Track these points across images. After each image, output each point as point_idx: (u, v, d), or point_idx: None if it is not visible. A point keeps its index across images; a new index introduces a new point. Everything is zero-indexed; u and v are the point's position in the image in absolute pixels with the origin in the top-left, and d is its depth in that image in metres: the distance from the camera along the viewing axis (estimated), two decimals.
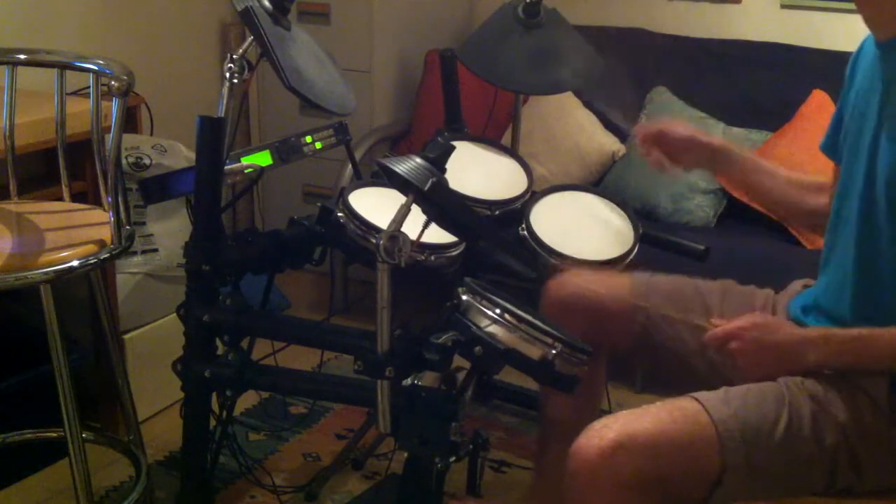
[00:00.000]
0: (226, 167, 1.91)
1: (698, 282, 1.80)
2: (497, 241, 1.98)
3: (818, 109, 2.91)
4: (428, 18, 3.56)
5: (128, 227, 1.89)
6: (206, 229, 1.85)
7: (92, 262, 1.78)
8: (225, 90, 1.86)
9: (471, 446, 1.64)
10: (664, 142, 1.80)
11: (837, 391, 1.48)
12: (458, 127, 2.39)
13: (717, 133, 3.00)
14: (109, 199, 1.81)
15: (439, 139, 1.55)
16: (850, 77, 1.63)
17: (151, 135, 2.81)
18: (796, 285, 1.76)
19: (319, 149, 2.24)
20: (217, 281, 1.88)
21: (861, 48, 1.62)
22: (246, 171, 2.03)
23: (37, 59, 1.97)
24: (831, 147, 1.68)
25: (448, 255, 1.91)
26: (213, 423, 1.99)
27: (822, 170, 1.80)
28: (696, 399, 1.45)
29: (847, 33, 3.04)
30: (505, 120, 3.02)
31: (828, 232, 1.62)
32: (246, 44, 1.88)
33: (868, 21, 1.51)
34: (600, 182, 3.13)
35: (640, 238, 2.09)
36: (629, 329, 1.77)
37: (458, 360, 1.59)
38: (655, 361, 1.83)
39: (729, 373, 1.57)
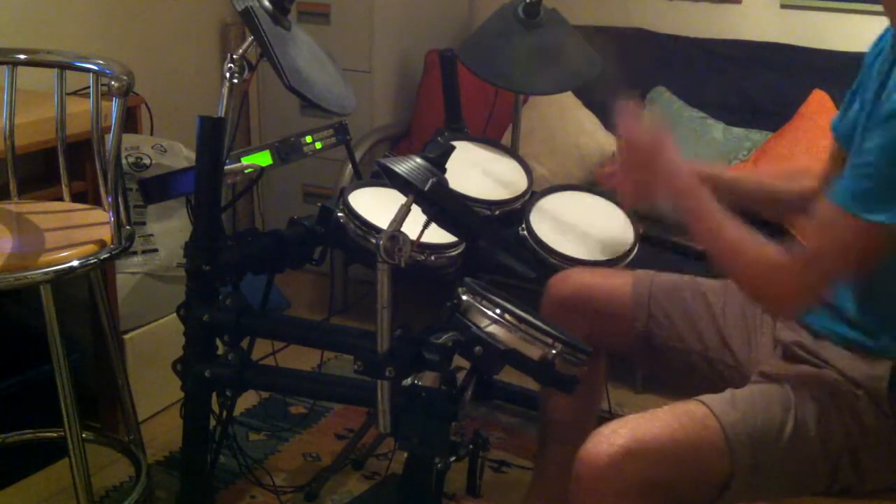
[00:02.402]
0: (226, 167, 1.91)
1: (700, 280, 1.80)
2: (497, 241, 1.98)
3: (818, 109, 2.91)
4: (428, 18, 3.56)
5: (128, 227, 1.89)
6: (206, 229, 1.85)
7: (92, 262, 1.78)
8: (225, 90, 1.86)
9: (471, 446, 1.64)
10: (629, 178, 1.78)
11: (840, 392, 1.48)
12: (458, 127, 2.39)
13: (717, 133, 3.01)
14: (109, 199, 1.81)
15: (439, 139, 1.55)
16: (868, 63, 1.61)
17: (151, 135, 2.81)
18: None
19: (319, 149, 2.24)
20: (217, 281, 1.88)
21: (882, 37, 1.60)
22: (246, 171, 2.03)
23: (37, 59, 1.97)
24: (835, 125, 1.67)
25: (448, 255, 1.91)
26: (213, 423, 1.99)
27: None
28: (703, 403, 1.45)
29: (847, 33, 3.05)
30: (505, 120, 3.02)
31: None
32: (246, 44, 1.88)
33: (887, 11, 1.49)
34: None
35: (640, 238, 2.09)
36: (630, 329, 1.77)
37: (458, 360, 1.59)
38: (656, 361, 1.83)
39: (730, 375, 1.57)
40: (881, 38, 1.58)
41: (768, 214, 1.86)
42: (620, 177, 1.67)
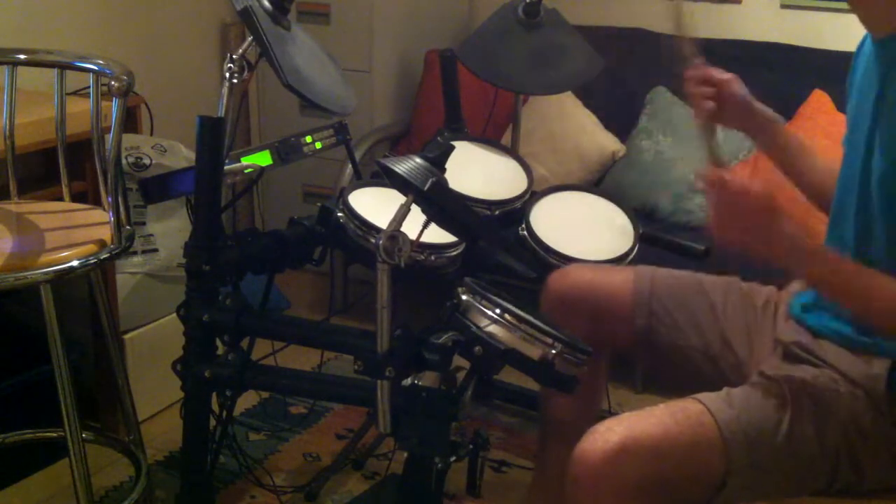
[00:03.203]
0: (226, 167, 1.91)
1: (702, 277, 1.80)
2: (497, 241, 1.98)
3: (818, 109, 2.91)
4: (428, 18, 3.56)
5: (128, 227, 1.89)
6: (206, 229, 1.85)
7: (92, 262, 1.78)
8: (225, 90, 1.86)
9: (471, 446, 1.64)
10: (722, 92, 1.70)
11: (838, 391, 1.48)
12: (458, 127, 2.39)
13: (717, 133, 3.00)
14: (109, 199, 1.81)
15: (439, 139, 1.55)
16: (851, 74, 1.63)
17: (151, 135, 2.81)
18: (797, 284, 1.76)
19: (319, 149, 2.24)
20: (217, 281, 1.88)
21: (860, 46, 1.62)
22: (246, 171, 2.03)
23: (37, 59, 1.97)
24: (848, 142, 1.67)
25: (448, 255, 1.91)
26: (213, 423, 1.99)
27: None
28: (700, 401, 1.45)
29: (847, 33, 3.01)
30: (505, 120, 3.02)
31: (829, 226, 1.62)
32: (246, 44, 1.88)
33: (863, 20, 1.51)
34: (600, 182, 3.13)
35: (640, 238, 2.09)
36: (630, 325, 1.77)
37: (458, 360, 1.59)
38: (657, 360, 1.82)
39: (730, 374, 1.57)
40: (858, 50, 1.60)
41: (807, 197, 1.79)
42: (721, 223, 1.45)
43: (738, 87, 1.72)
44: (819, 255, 1.46)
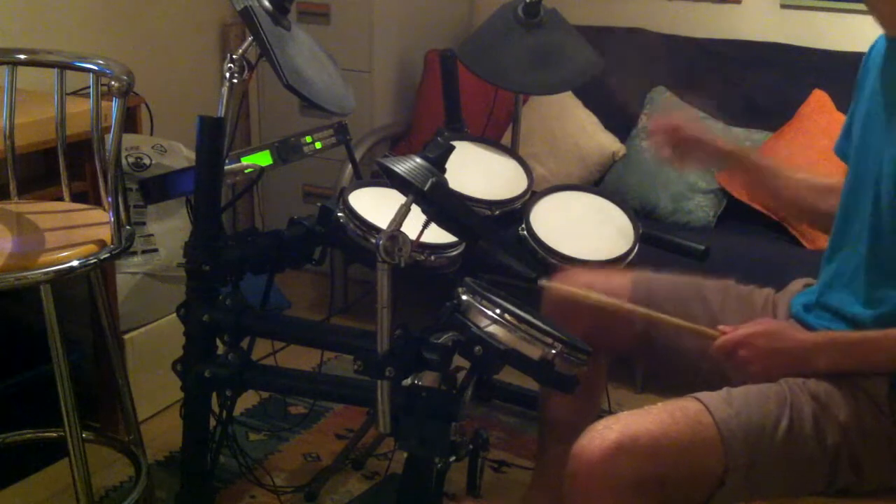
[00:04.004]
0: (226, 167, 1.91)
1: (699, 281, 1.80)
2: (497, 241, 1.98)
3: (818, 109, 2.91)
4: (428, 18, 3.56)
5: (128, 227, 1.89)
6: (206, 229, 1.85)
7: (92, 262, 1.77)
8: (225, 90, 1.86)
9: (471, 446, 1.64)
10: (677, 138, 1.79)
11: (838, 391, 1.48)
12: (458, 127, 2.39)
13: (717, 133, 3.01)
14: (109, 199, 1.81)
15: (439, 139, 1.55)
16: (861, 78, 1.63)
17: (151, 135, 2.81)
18: (797, 284, 1.76)
19: (319, 149, 2.24)
20: (217, 281, 1.88)
21: (872, 48, 1.62)
22: (246, 171, 2.03)
23: (37, 59, 1.97)
24: (844, 150, 1.67)
25: (448, 255, 1.91)
26: (213, 423, 1.99)
27: (823, 172, 1.80)
28: (698, 399, 1.45)
29: (847, 33, 3.05)
30: (505, 120, 3.02)
31: (835, 227, 1.62)
32: (246, 44, 1.88)
33: (879, 19, 1.50)
34: (600, 182, 3.13)
35: (640, 238, 2.09)
36: (629, 328, 1.77)
37: (458, 360, 1.59)
38: (656, 361, 1.83)
39: (733, 376, 1.58)
40: (870, 52, 1.60)
41: (784, 214, 1.87)
42: (758, 373, 1.53)
43: (694, 129, 1.81)
44: (826, 346, 1.51)
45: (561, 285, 1.75)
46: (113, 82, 1.76)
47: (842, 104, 2.74)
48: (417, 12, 3.50)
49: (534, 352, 1.51)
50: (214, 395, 1.95)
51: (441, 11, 3.63)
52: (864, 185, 1.52)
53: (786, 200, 1.84)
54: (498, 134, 3.13)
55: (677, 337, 1.73)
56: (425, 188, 1.45)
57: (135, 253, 2.51)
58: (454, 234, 1.75)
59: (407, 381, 1.62)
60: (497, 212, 2.12)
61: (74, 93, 2.25)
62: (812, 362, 1.50)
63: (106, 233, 1.84)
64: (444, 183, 1.50)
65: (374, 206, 1.93)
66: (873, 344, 1.47)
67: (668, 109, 3.08)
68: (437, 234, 1.69)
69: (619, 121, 3.23)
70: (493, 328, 1.52)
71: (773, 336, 1.52)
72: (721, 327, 1.58)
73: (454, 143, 1.57)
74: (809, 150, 2.76)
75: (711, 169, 1.93)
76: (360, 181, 2.13)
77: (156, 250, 2.56)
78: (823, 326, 1.57)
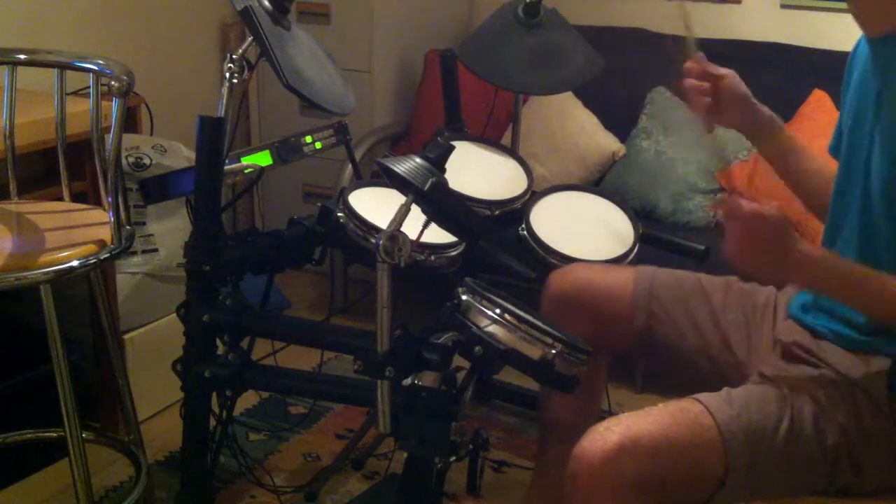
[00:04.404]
0: (226, 167, 1.91)
1: (701, 277, 1.80)
2: (497, 241, 1.98)
3: (818, 109, 2.91)
4: (428, 18, 3.56)
5: (128, 227, 1.89)
6: (206, 229, 1.85)
7: (92, 262, 1.77)
8: (225, 90, 1.86)
9: (471, 446, 1.64)
10: (715, 88, 1.69)
11: (838, 392, 1.48)
12: (458, 127, 2.39)
13: (717, 132, 3.00)
14: (109, 199, 1.81)
15: (439, 139, 1.55)
16: (847, 77, 1.63)
17: (151, 135, 2.81)
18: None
19: (319, 149, 2.24)
20: (217, 281, 1.88)
21: (856, 48, 1.62)
22: (246, 171, 2.03)
23: (37, 59, 1.97)
24: (837, 149, 1.67)
25: (448, 255, 1.91)
26: (213, 423, 1.99)
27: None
28: (699, 401, 1.45)
29: (847, 33, 3.00)
30: (505, 120, 3.02)
31: (826, 227, 1.62)
32: (246, 44, 1.88)
33: (858, 18, 1.50)
34: (600, 182, 3.13)
35: (640, 238, 2.09)
36: (630, 325, 1.77)
37: (459, 360, 1.59)
38: (656, 359, 1.82)
39: (730, 374, 1.57)
40: (854, 52, 1.60)
41: (801, 200, 1.79)
42: (737, 250, 1.45)
43: (736, 82, 1.71)
44: (828, 265, 1.46)
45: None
46: (113, 82, 1.76)
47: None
48: (417, 12, 3.51)
49: (534, 352, 1.51)
50: (214, 395, 1.95)
51: (441, 11, 3.63)
52: (853, 185, 1.52)
53: (805, 186, 1.75)
54: (498, 134, 3.13)
55: (678, 334, 1.74)
56: (425, 188, 1.45)
57: (135, 253, 2.51)
58: (454, 234, 1.75)
59: (407, 381, 1.62)
60: (497, 212, 2.12)
61: (74, 93, 2.25)
62: (791, 270, 1.44)
63: (106, 233, 1.84)
64: (444, 183, 1.50)
65: (374, 206, 1.93)
66: (857, 280, 1.43)
67: (653, 116, 3.06)
68: (437, 234, 1.69)
69: (619, 121, 3.23)
70: (493, 328, 1.52)
71: (771, 228, 1.42)
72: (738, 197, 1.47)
73: (454, 143, 1.57)
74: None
75: (743, 133, 1.78)
76: (360, 181, 2.13)
77: (156, 250, 2.56)
78: (823, 326, 1.57)
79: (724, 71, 1.71)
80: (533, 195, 2.17)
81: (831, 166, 1.67)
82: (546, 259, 1.99)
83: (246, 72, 1.86)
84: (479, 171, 2.23)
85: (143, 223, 2.55)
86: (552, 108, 3.22)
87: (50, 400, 1.83)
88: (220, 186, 1.87)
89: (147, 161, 2.54)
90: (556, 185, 2.24)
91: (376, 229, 1.85)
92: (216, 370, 1.87)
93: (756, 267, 1.47)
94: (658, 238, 2.17)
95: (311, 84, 1.87)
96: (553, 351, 1.51)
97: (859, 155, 1.51)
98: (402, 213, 1.50)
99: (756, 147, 1.83)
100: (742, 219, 1.42)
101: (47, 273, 1.71)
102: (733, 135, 2.98)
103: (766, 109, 1.74)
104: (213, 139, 1.81)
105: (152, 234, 2.56)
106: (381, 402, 1.59)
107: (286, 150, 2.14)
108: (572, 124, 3.21)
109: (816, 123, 2.85)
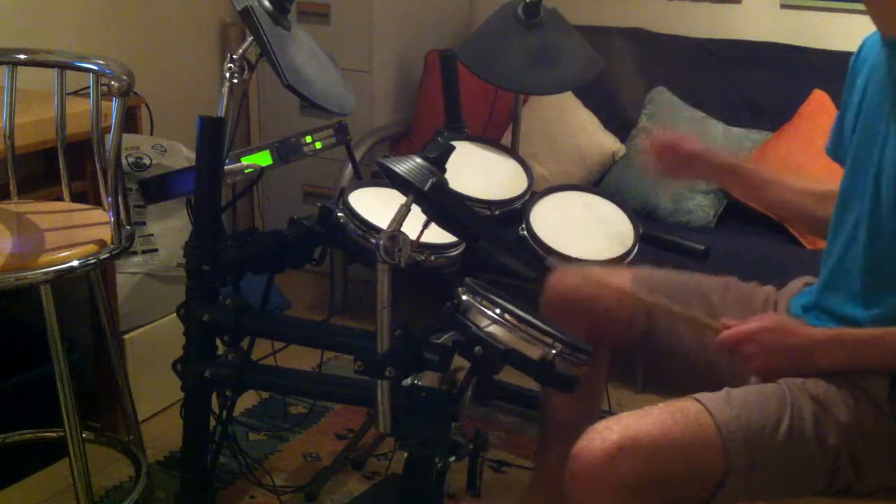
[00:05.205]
0: (226, 167, 1.91)
1: (700, 278, 1.80)
2: (497, 241, 1.98)
3: (818, 109, 2.91)
4: (428, 18, 3.56)
5: (128, 227, 1.89)
6: (206, 229, 1.85)
7: (92, 262, 1.78)
8: (225, 90, 1.86)
9: (471, 446, 1.64)
10: (672, 153, 1.80)
11: (838, 391, 1.48)
12: (458, 127, 2.39)
13: (717, 133, 3.01)
14: (109, 199, 1.81)
15: (439, 139, 1.55)
16: (850, 78, 1.63)
17: (151, 135, 2.81)
18: (797, 284, 1.76)
19: (319, 149, 2.24)
20: (217, 281, 1.88)
21: (861, 49, 1.62)
22: (246, 171, 2.03)
23: (37, 59, 1.97)
24: (836, 151, 1.67)
25: (448, 255, 1.91)
26: (213, 423, 1.99)
27: (822, 172, 1.80)
28: (698, 400, 1.45)
29: (847, 33, 3.04)
30: (505, 120, 3.02)
31: (831, 230, 1.62)
32: (246, 44, 1.88)
33: (875, 18, 1.50)
34: (600, 182, 3.13)
35: (640, 238, 2.09)
36: (629, 326, 1.77)
37: (459, 360, 1.59)
38: (656, 360, 1.83)
39: (730, 375, 1.57)
40: (859, 53, 1.59)
41: (783, 219, 1.86)
42: (763, 372, 1.54)
43: (694, 143, 1.80)
44: (847, 335, 1.51)
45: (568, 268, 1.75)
46: (113, 82, 1.76)
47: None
48: (417, 12, 3.51)
49: (534, 352, 1.51)
50: (214, 395, 1.95)
51: (441, 11, 3.63)
52: (862, 187, 1.52)
53: (784, 209, 1.85)
54: (498, 134, 3.13)
55: (677, 335, 1.74)
56: (425, 188, 1.45)
57: (135, 253, 2.51)
58: (454, 234, 1.75)
59: (407, 381, 1.62)
60: (497, 212, 2.12)
61: (74, 93, 2.25)
62: (815, 360, 1.49)
63: (106, 233, 1.84)
64: (444, 183, 1.50)
65: (374, 206, 1.93)
66: (877, 343, 1.46)
67: (653, 116, 3.08)
68: (437, 234, 1.69)
69: (619, 121, 3.23)
70: (493, 328, 1.52)
71: (778, 332, 1.51)
72: (725, 320, 1.57)
73: (454, 143, 1.57)
74: (809, 150, 2.76)
75: (709, 181, 1.92)
76: (360, 181, 2.13)
77: (156, 250, 2.56)
78: (823, 326, 1.57)
79: (670, 139, 1.81)
80: (533, 195, 2.17)
81: (800, 183, 1.77)
82: (546, 259, 1.99)
83: (246, 72, 1.86)
84: (479, 171, 2.23)
85: (143, 223, 2.55)
86: (552, 108, 3.21)
87: (50, 400, 1.83)
88: (220, 186, 1.87)
89: (147, 161, 2.54)
90: (556, 185, 2.24)
91: (376, 229, 1.85)
92: (216, 370, 1.87)
93: (788, 373, 1.51)
94: (658, 238, 2.17)
95: (311, 84, 1.87)
96: (553, 351, 1.51)
97: (872, 155, 1.51)
98: (403, 214, 1.50)
99: (724, 188, 1.93)
100: (746, 341, 1.51)
101: (47, 273, 1.71)
102: (734, 135, 2.99)
103: (727, 159, 1.83)
104: (213, 139, 1.81)
105: (152, 234, 2.56)
106: (382, 403, 1.59)
107: (286, 150, 2.14)
108: (572, 124, 3.21)
109: (816, 123, 2.85)
